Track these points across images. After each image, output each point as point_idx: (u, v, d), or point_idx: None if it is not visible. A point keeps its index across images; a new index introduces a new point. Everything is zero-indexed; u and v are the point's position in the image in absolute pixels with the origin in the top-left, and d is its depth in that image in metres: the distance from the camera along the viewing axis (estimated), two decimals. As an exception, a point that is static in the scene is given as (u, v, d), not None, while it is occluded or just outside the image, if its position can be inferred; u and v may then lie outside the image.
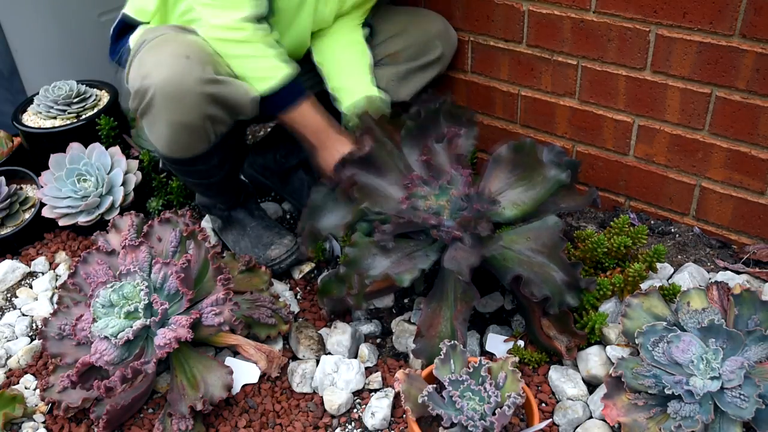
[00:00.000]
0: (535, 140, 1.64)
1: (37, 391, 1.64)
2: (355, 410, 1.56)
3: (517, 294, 1.60)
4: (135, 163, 2.14)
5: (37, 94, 2.27)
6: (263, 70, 1.64)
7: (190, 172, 1.78)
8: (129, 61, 1.66)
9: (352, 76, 1.84)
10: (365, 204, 1.59)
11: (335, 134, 1.73)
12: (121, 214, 1.81)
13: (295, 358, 1.69)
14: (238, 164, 1.90)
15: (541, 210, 1.63)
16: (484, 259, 1.52)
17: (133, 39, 1.76)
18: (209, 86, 1.56)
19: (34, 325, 1.85)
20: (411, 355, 1.62)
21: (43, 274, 2.02)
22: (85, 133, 2.16)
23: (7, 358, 1.76)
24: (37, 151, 2.21)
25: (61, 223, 2.04)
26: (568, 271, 1.54)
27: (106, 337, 1.48)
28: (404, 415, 1.52)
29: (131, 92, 1.61)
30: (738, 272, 1.72)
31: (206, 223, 2.07)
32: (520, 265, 1.54)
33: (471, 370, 1.38)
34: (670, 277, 1.72)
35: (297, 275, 1.92)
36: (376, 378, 1.60)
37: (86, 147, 2.11)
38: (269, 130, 2.36)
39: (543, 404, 1.53)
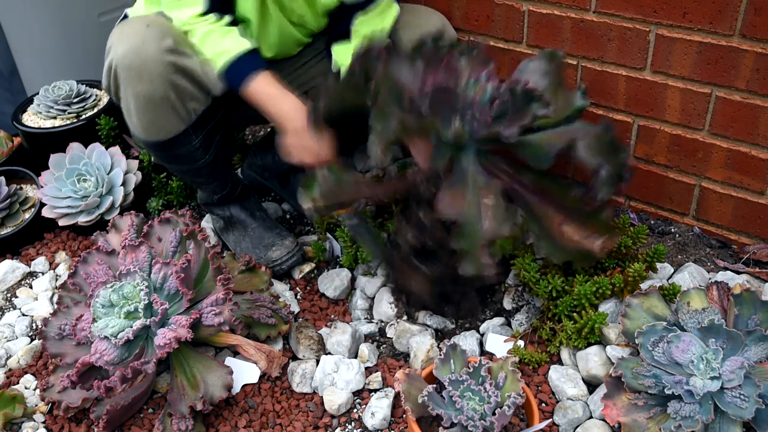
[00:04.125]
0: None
1: (37, 391, 1.64)
2: (355, 410, 1.56)
3: (534, 205, 1.51)
4: (135, 163, 2.14)
5: (37, 94, 2.27)
6: (221, 46, 1.64)
7: (173, 157, 1.76)
8: None
9: None
10: (386, 84, 1.48)
11: (294, 114, 1.64)
12: (121, 214, 1.81)
13: (295, 358, 1.69)
14: (228, 152, 1.86)
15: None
16: (518, 143, 1.44)
17: None
18: (170, 55, 1.57)
19: (34, 325, 1.85)
20: (411, 355, 1.63)
21: (43, 274, 2.01)
22: (85, 133, 2.16)
23: (7, 358, 1.76)
24: (37, 151, 2.21)
25: (61, 223, 2.04)
26: (611, 160, 1.46)
27: (106, 337, 1.48)
28: (404, 415, 1.52)
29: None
30: (738, 272, 1.72)
31: (206, 223, 2.07)
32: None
33: (471, 370, 1.38)
34: (670, 277, 1.72)
35: (297, 275, 1.92)
36: (376, 378, 1.60)
37: (86, 147, 2.12)
38: (269, 130, 2.35)
39: (543, 404, 1.53)
